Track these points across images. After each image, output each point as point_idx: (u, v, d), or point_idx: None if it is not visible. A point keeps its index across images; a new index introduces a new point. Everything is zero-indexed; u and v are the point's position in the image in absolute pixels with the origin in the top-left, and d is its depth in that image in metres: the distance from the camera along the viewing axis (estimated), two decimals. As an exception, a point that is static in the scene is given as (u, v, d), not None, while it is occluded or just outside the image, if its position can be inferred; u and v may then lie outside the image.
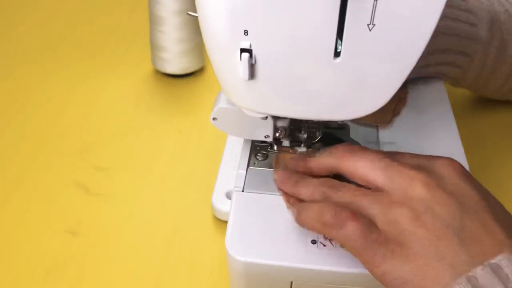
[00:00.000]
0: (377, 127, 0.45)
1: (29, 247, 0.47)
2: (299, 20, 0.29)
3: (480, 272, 0.27)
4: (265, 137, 0.40)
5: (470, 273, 0.27)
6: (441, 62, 0.49)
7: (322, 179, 0.35)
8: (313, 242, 0.35)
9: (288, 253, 0.34)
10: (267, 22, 0.30)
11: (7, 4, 0.84)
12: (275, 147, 0.42)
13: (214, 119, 0.39)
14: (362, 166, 0.33)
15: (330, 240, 0.35)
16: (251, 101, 0.34)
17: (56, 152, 0.57)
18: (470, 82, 0.53)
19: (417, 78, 0.50)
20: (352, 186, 0.33)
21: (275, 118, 0.39)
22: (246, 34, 0.30)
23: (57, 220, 0.49)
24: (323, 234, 0.33)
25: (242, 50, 0.31)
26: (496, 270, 0.27)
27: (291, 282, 0.35)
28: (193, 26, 0.64)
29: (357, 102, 0.33)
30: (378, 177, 0.32)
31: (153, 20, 0.64)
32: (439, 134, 0.44)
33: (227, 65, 0.33)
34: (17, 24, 0.80)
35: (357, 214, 0.31)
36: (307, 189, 0.35)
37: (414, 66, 0.31)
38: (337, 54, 0.30)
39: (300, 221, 0.34)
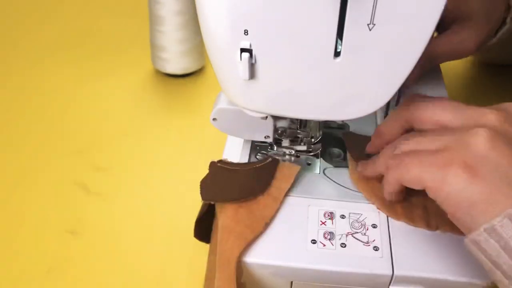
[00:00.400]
0: (376, 126, 0.45)
1: (29, 247, 0.47)
2: (299, 20, 0.29)
3: None
4: (265, 137, 0.40)
5: None
6: None
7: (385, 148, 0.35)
8: (313, 242, 0.35)
9: (288, 253, 0.34)
10: (267, 22, 0.30)
11: (7, 5, 0.84)
12: (275, 147, 0.42)
13: (214, 119, 0.39)
14: (431, 109, 0.33)
15: (330, 240, 0.35)
16: (251, 101, 0.34)
17: (56, 152, 0.57)
18: None
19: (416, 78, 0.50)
20: (429, 134, 0.33)
21: (275, 118, 0.39)
22: (246, 34, 0.30)
23: (57, 220, 0.49)
24: (389, 181, 0.33)
25: (242, 50, 0.31)
26: None
27: (291, 282, 0.35)
28: (193, 26, 0.64)
29: (357, 102, 0.33)
30: (449, 116, 0.32)
31: (153, 20, 0.64)
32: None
33: (227, 65, 0.33)
34: (17, 24, 0.80)
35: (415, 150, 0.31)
36: (381, 159, 0.35)
37: (414, 66, 0.31)
38: (337, 54, 0.30)
39: (368, 172, 0.35)
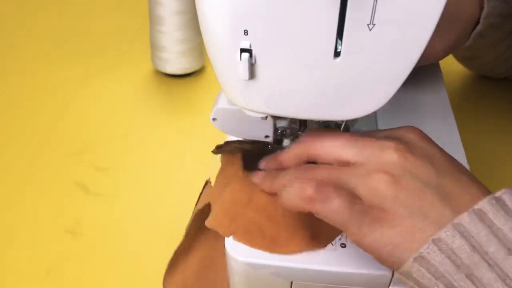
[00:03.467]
0: (376, 126, 0.45)
1: (29, 247, 0.47)
2: (299, 20, 0.29)
3: (465, 219, 0.27)
4: (265, 137, 0.40)
5: (456, 220, 0.27)
6: None
7: (296, 167, 0.35)
8: (313, 242, 0.35)
9: (288, 253, 0.34)
10: (267, 22, 0.30)
11: (7, 5, 0.84)
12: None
13: (214, 119, 0.39)
14: (331, 146, 0.33)
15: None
16: (251, 101, 0.34)
17: (56, 152, 0.57)
18: None
19: (416, 78, 0.50)
20: (327, 165, 0.33)
21: (275, 118, 0.39)
22: (246, 34, 0.30)
23: (57, 220, 0.49)
24: (308, 210, 0.31)
25: (242, 50, 0.31)
26: (480, 215, 0.27)
27: (291, 282, 0.35)
28: (193, 26, 0.64)
29: (357, 102, 0.33)
30: (349, 152, 0.32)
31: (153, 20, 0.64)
32: (438, 134, 0.44)
33: (227, 65, 0.33)
34: (17, 25, 0.80)
35: (339, 187, 0.31)
36: (285, 179, 0.34)
37: (414, 66, 0.31)
38: (337, 54, 0.30)
39: (285, 204, 0.33)
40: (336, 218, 0.30)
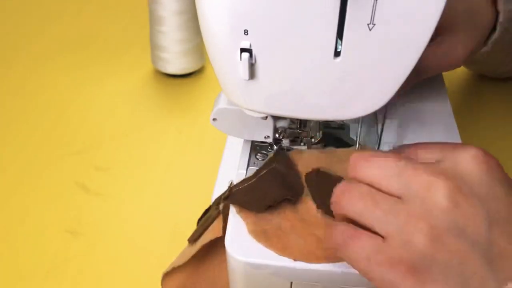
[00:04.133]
0: (376, 127, 0.45)
1: (29, 247, 0.47)
2: (299, 20, 0.29)
3: None
4: (265, 137, 0.40)
5: None
6: None
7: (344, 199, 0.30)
8: (313, 242, 0.35)
9: (288, 253, 0.34)
10: (267, 22, 0.30)
11: (7, 6, 0.84)
12: (275, 147, 0.42)
13: (214, 119, 0.39)
14: (374, 175, 0.28)
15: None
16: (251, 101, 0.34)
17: (56, 152, 0.57)
18: None
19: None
20: (370, 196, 0.28)
21: (275, 118, 0.39)
22: (246, 34, 0.30)
23: (57, 220, 0.49)
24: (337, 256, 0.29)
25: (242, 50, 0.31)
26: None
27: (291, 282, 0.35)
28: (193, 26, 0.64)
29: (357, 102, 0.33)
30: (393, 185, 0.27)
31: (153, 20, 0.64)
32: (439, 135, 0.44)
33: (227, 65, 0.33)
34: (18, 25, 0.80)
35: (362, 233, 0.27)
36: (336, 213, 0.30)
37: (414, 66, 0.31)
38: (337, 54, 0.30)
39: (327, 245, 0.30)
40: (355, 266, 0.27)
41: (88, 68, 0.70)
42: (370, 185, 0.28)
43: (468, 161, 0.27)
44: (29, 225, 0.49)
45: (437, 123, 0.45)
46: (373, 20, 0.28)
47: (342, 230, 0.28)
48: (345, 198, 0.28)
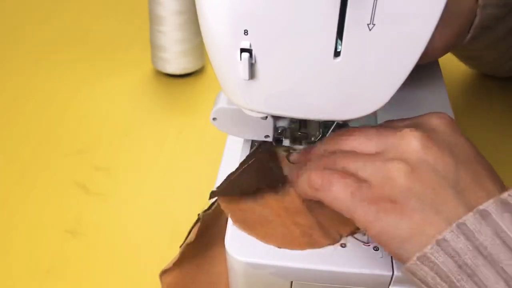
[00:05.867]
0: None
1: (29, 247, 0.47)
2: (299, 20, 0.29)
3: (470, 219, 0.26)
4: (265, 137, 0.40)
5: (460, 220, 0.26)
6: None
7: (319, 157, 0.35)
8: (313, 242, 0.35)
9: (288, 253, 0.34)
10: (267, 22, 0.30)
11: (7, 5, 0.84)
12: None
13: (214, 119, 0.39)
14: (355, 140, 0.32)
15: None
16: (251, 101, 0.34)
17: (56, 152, 0.57)
18: None
19: (416, 77, 0.50)
20: (348, 154, 0.32)
21: (275, 118, 0.39)
22: (246, 34, 0.30)
23: (57, 220, 0.49)
24: (316, 199, 0.32)
25: (242, 50, 0.31)
26: (485, 216, 0.26)
27: (291, 282, 0.35)
28: (193, 26, 0.64)
29: (357, 102, 0.33)
30: (372, 145, 0.31)
31: (153, 20, 0.64)
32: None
33: (227, 65, 0.33)
34: (17, 24, 0.80)
35: (345, 174, 0.30)
36: (316, 166, 0.34)
37: (414, 66, 0.31)
38: (337, 54, 0.30)
39: (298, 192, 0.34)
40: (338, 204, 0.30)
41: (88, 68, 0.70)
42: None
43: (432, 120, 0.32)
44: (29, 225, 0.49)
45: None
46: (373, 20, 0.28)
47: (321, 174, 0.31)
48: (330, 160, 0.32)
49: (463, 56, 0.63)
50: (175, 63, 0.66)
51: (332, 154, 0.34)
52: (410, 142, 0.29)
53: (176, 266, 0.39)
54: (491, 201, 0.27)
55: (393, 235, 0.28)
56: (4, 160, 0.56)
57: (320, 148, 0.36)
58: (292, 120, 0.40)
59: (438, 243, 0.27)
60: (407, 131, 0.30)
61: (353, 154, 0.32)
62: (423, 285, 0.28)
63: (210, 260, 0.40)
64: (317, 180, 0.31)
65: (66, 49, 0.74)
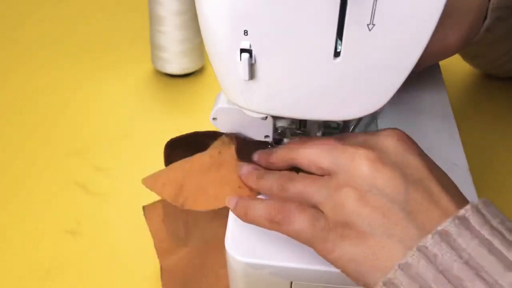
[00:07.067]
0: (376, 127, 0.45)
1: (29, 247, 0.47)
2: (299, 20, 0.29)
3: (430, 242, 0.26)
4: (265, 137, 0.40)
5: (420, 243, 0.26)
6: None
7: (281, 172, 0.35)
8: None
9: (288, 253, 0.34)
10: (267, 22, 0.30)
11: (7, 5, 0.84)
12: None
13: (214, 119, 0.39)
14: (311, 153, 0.33)
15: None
16: (251, 101, 0.34)
17: (56, 152, 0.57)
18: None
19: (416, 78, 0.50)
20: (307, 175, 0.33)
21: (275, 118, 0.39)
22: (246, 34, 0.30)
23: (57, 220, 0.49)
24: (273, 230, 0.32)
25: (242, 50, 0.31)
26: (445, 237, 0.26)
27: (291, 282, 0.35)
28: (193, 26, 0.64)
29: (357, 102, 0.33)
30: (324, 161, 0.32)
31: (153, 20, 0.64)
32: (438, 134, 0.44)
33: (227, 65, 0.33)
34: (16, 24, 0.80)
35: (302, 207, 0.31)
36: (267, 183, 0.35)
37: (414, 66, 0.31)
38: (337, 54, 0.30)
39: (248, 219, 0.33)
40: (300, 238, 0.31)
41: (88, 68, 0.70)
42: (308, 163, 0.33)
43: (385, 138, 0.31)
44: (29, 225, 0.49)
45: (436, 119, 0.45)
46: (373, 20, 0.28)
47: (281, 208, 0.32)
48: (292, 187, 0.33)
49: (469, 56, 0.62)
50: (175, 63, 0.66)
51: (289, 172, 0.34)
52: (360, 167, 0.30)
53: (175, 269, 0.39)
54: (449, 220, 0.26)
55: (349, 259, 0.29)
56: (4, 160, 0.56)
57: (279, 155, 0.36)
58: (292, 120, 0.40)
59: (400, 267, 0.27)
60: (358, 152, 0.30)
61: (309, 177, 0.32)
62: None
63: (211, 261, 0.40)
64: (277, 216, 0.32)
65: (66, 49, 0.74)
